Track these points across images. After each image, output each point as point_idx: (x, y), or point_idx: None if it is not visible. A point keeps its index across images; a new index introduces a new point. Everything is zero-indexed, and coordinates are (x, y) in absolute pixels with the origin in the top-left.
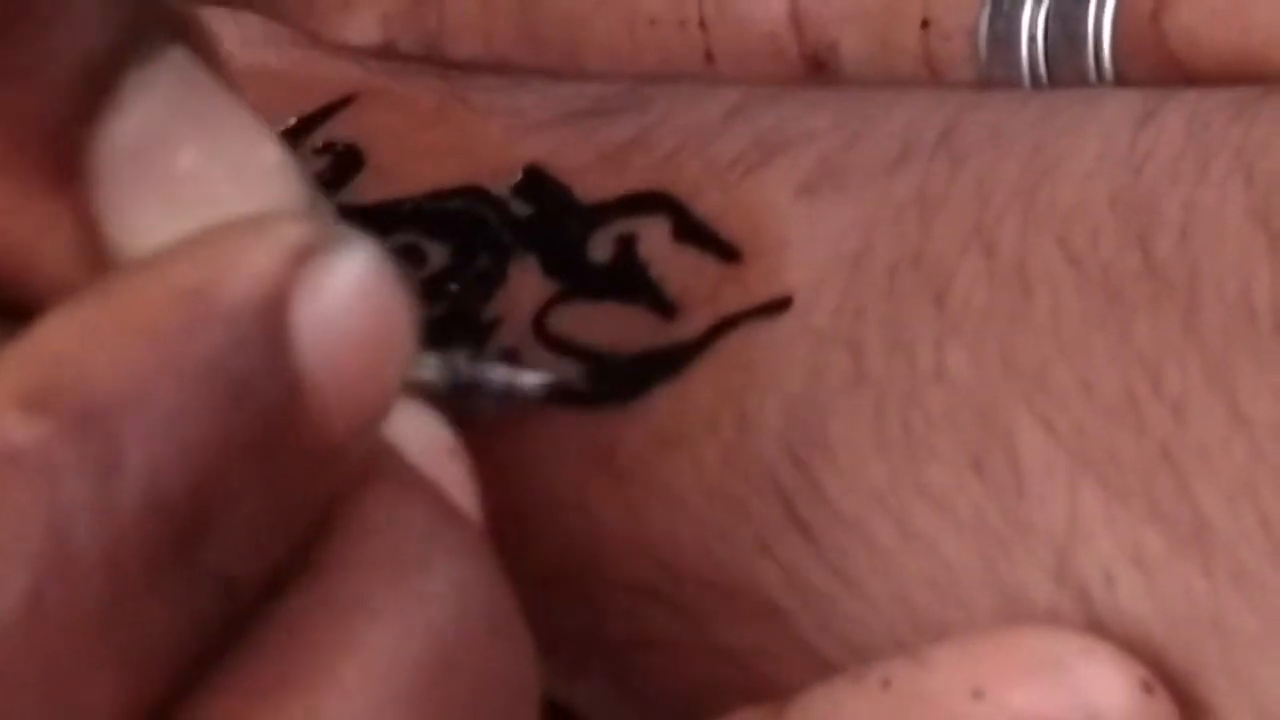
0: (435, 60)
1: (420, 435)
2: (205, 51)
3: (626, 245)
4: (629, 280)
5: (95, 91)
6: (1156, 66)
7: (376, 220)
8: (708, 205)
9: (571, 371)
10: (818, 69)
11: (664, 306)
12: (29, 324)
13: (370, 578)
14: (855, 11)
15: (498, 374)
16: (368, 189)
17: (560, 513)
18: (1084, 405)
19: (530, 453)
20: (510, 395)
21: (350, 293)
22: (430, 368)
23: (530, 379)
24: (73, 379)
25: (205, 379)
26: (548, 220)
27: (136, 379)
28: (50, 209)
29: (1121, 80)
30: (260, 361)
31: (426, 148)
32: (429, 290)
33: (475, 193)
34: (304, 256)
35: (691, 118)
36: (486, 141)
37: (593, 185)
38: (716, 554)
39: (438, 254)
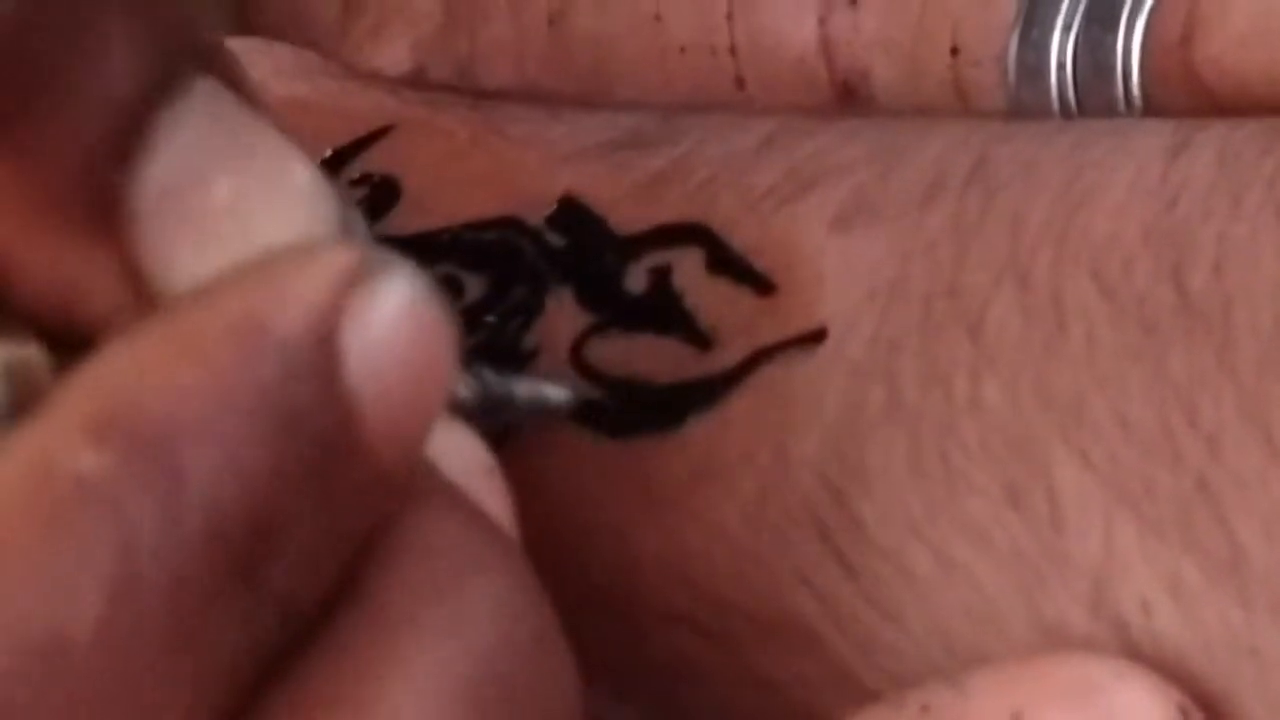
0: (466, 87)
1: (459, 454)
2: (232, 78)
3: (661, 277)
4: (664, 312)
5: (129, 135)
6: (1186, 94)
7: (414, 252)
8: (742, 237)
9: (599, 390)
10: (848, 96)
11: (699, 338)
12: (81, 357)
13: (416, 598)
14: (885, 39)
15: (524, 388)
16: (405, 220)
17: (598, 541)
18: (1119, 437)
19: (568, 482)
20: (539, 410)
21: (396, 318)
22: (462, 385)
23: (556, 393)
24: (134, 409)
25: (261, 408)
26: (583, 251)
27: (195, 409)
28: (94, 251)
29: (1151, 108)
30: (313, 390)
31: (462, 179)
32: (467, 321)
33: (511, 224)
34: (350, 284)
35: (725, 148)
36: (521, 172)
37: (627, 216)
38: (754, 584)
39: (475, 285)
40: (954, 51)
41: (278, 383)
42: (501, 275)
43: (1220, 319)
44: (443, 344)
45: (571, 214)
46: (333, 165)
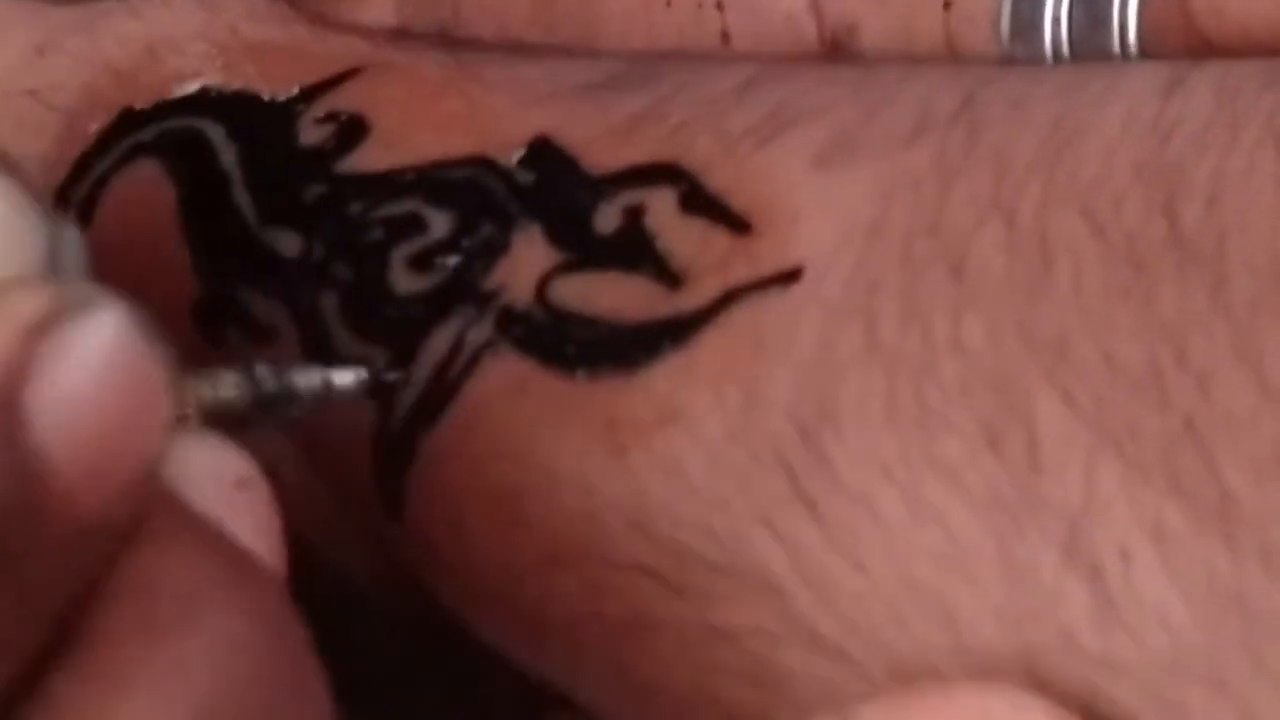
0: (448, 39)
1: (206, 470)
2: None
3: (634, 216)
4: (635, 251)
5: None
6: (1184, 45)
7: (377, 188)
8: (719, 177)
9: (381, 361)
10: (836, 51)
11: (669, 276)
12: None
13: (126, 648)
14: None
15: (308, 378)
16: (371, 159)
17: (559, 490)
18: (1105, 377)
19: (529, 427)
20: (325, 397)
21: (90, 365)
22: (230, 386)
23: (343, 376)
24: None
25: None
26: (553, 190)
27: None
28: None
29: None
30: None
31: (433, 118)
32: (428, 258)
33: (481, 163)
34: (40, 331)
35: (704, 91)
36: (494, 113)
37: (602, 157)
38: (717, 530)
39: (440, 222)
40: (946, 6)
41: None
42: (468, 213)
43: (1214, 255)
44: (149, 382)
45: (544, 154)
46: (298, 103)
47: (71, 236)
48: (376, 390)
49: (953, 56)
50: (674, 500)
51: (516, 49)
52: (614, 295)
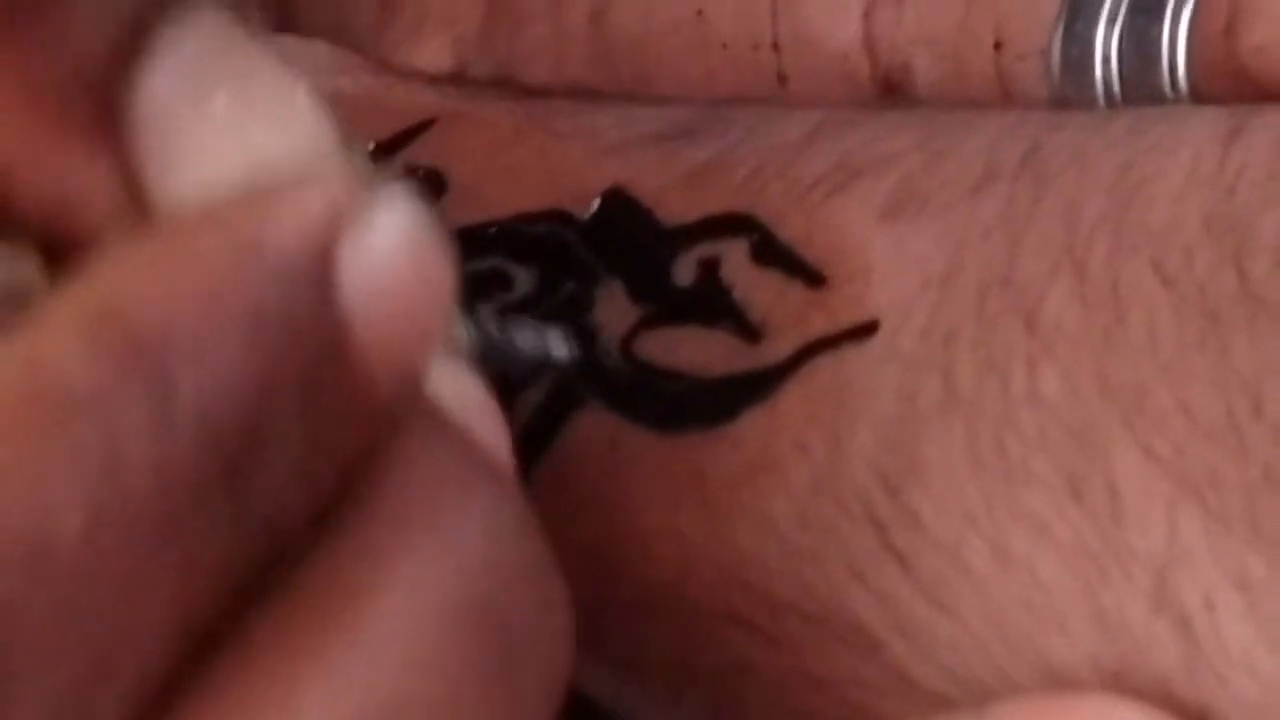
0: (508, 85)
1: (455, 390)
2: (233, 13)
3: (710, 268)
4: (713, 303)
5: (131, 46)
6: (1232, 84)
7: (462, 245)
8: (790, 228)
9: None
10: (890, 91)
11: (749, 330)
12: (77, 267)
13: (405, 519)
14: (928, 33)
15: (527, 338)
16: (452, 213)
17: (653, 541)
18: (1183, 427)
19: (624, 483)
20: (541, 361)
21: (394, 244)
22: (460, 328)
23: (560, 345)
24: (128, 318)
25: (254, 322)
26: (631, 244)
27: (189, 319)
28: (92, 159)
29: (1197, 99)
30: (307, 309)
31: (507, 171)
32: (515, 314)
33: (558, 216)
34: (349, 206)
35: (771, 139)
36: (566, 164)
37: (674, 207)
38: (809, 581)
39: (524, 278)
40: (997, 46)
41: (271, 299)
42: (550, 268)
43: None
44: (441, 274)
45: (618, 206)
46: (375, 159)
47: (357, 145)
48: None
49: (1004, 95)
50: (765, 552)
51: (575, 93)
52: (696, 349)
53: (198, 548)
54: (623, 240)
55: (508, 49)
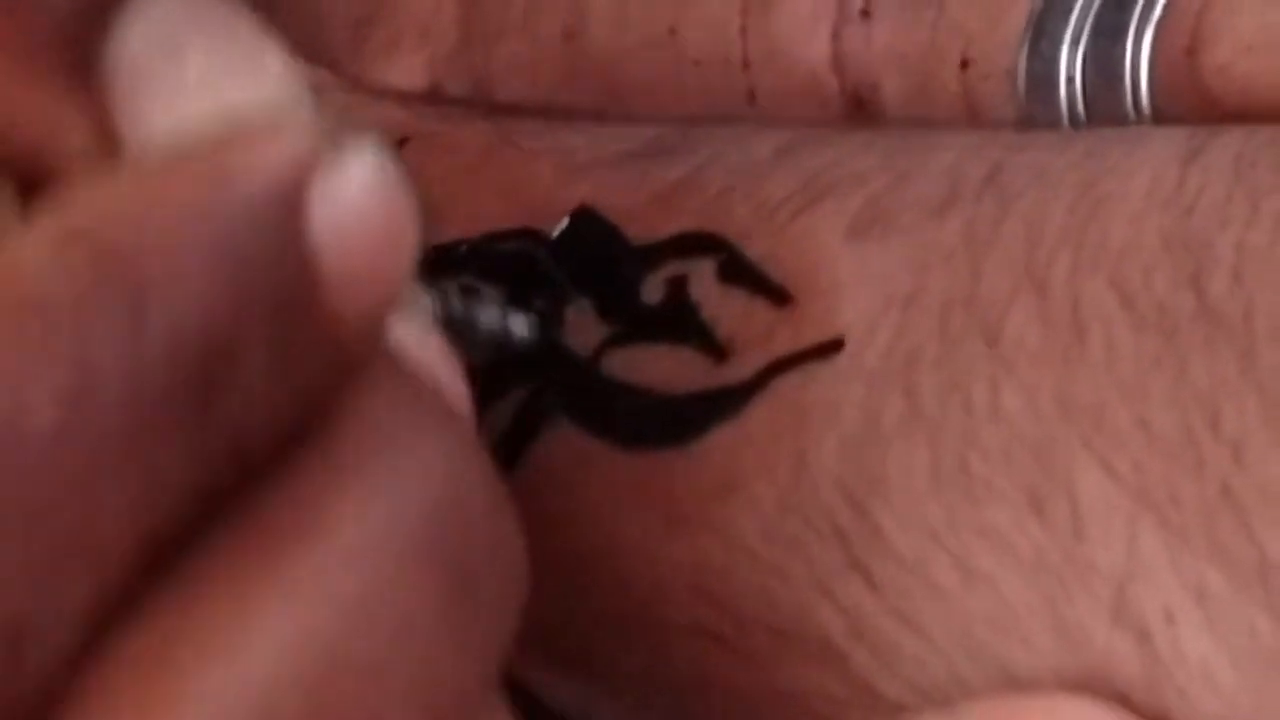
0: (481, 103)
1: (417, 344)
2: None
3: (678, 286)
4: (681, 322)
5: (109, 2)
6: (1195, 105)
7: (433, 263)
8: (758, 247)
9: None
10: (859, 109)
11: (716, 348)
12: (46, 202)
13: (369, 453)
14: (896, 52)
15: (488, 316)
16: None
17: (622, 557)
18: (1142, 445)
19: (588, 498)
20: (501, 341)
21: (362, 189)
22: (424, 302)
23: (520, 327)
24: (101, 233)
25: (223, 248)
26: (601, 262)
27: (160, 240)
28: (68, 107)
29: (1160, 118)
30: (275, 243)
31: (477, 190)
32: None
33: (528, 235)
34: (319, 151)
35: (740, 158)
36: (536, 183)
37: (643, 226)
38: (776, 596)
39: (494, 296)
40: (964, 65)
41: (241, 229)
42: (520, 286)
43: (1241, 326)
44: (407, 221)
45: (587, 224)
46: None
47: (326, 111)
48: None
49: (971, 114)
50: (734, 568)
51: (549, 112)
52: (664, 367)
53: (163, 458)
54: (592, 258)
55: (483, 66)
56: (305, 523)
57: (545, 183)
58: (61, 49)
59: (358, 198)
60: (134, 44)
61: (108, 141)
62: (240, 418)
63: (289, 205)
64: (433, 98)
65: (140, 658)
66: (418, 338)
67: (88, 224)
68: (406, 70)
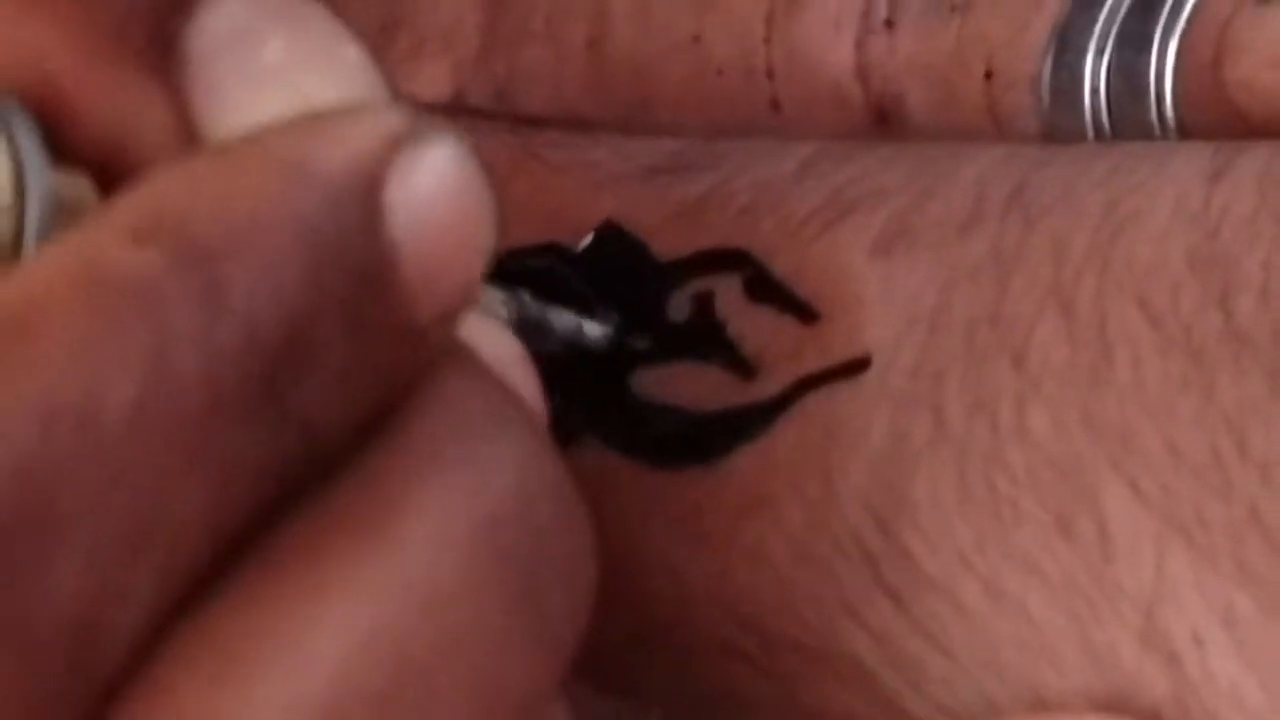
0: (504, 111)
1: (492, 343)
2: None
3: (704, 303)
4: (707, 339)
5: None
6: (1219, 117)
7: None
8: (783, 263)
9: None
10: (882, 119)
11: (743, 366)
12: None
13: (443, 448)
14: (920, 62)
15: (561, 319)
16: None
17: (650, 575)
18: (1170, 466)
19: (615, 516)
20: (573, 342)
21: (439, 180)
22: (497, 303)
23: (593, 328)
24: (180, 220)
25: (302, 237)
26: (626, 278)
27: (239, 227)
28: (148, 93)
29: (1185, 130)
30: (354, 231)
31: (502, 205)
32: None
33: (553, 250)
34: (398, 142)
35: (764, 173)
36: (561, 197)
37: (668, 242)
38: (803, 616)
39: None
40: (988, 75)
41: (320, 218)
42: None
43: (1269, 347)
44: (485, 212)
45: (613, 239)
46: None
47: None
48: (618, 348)
49: (996, 124)
50: (760, 587)
51: (573, 119)
52: (691, 384)
53: (238, 446)
54: (617, 274)
55: (505, 73)
56: (378, 516)
57: (568, 197)
58: (140, 35)
59: (436, 187)
60: (211, 32)
61: (184, 129)
62: (315, 409)
63: (367, 194)
64: (455, 108)
65: (209, 649)
66: (493, 337)
67: (166, 213)
68: (430, 78)
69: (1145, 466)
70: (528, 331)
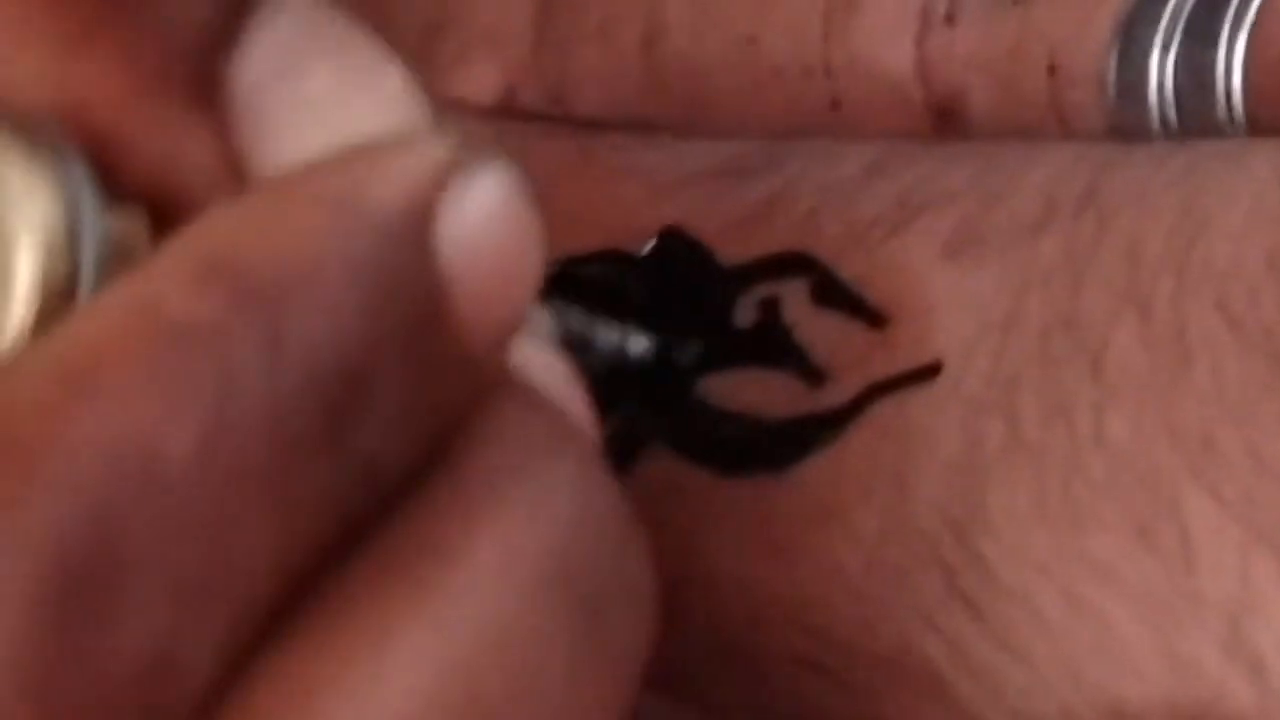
0: (558, 113)
1: (542, 366)
2: None
3: (771, 309)
4: (775, 345)
5: (232, 19)
6: None
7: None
8: (850, 268)
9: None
10: (944, 117)
11: (812, 373)
12: (170, 231)
13: (501, 479)
14: (982, 59)
15: (606, 334)
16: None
17: (721, 588)
18: (1252, 473)
19: (685, 525)
20: (618, 358)
21: (491, 210)
22: (543, 320)
23: (638, 343)
24: (237, 263)
25: (357, 276)
26: (691, 284)
27: (294, 268)
28: (194, 129)
29: (1254, 126)
30: (406, 265)
31: (561, 211)
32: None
33: (614, 257)
34: (446, 174)
35: (828, 176)
36: (621, 203)
37: (732, 247)
38: (878, 627)
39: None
40: (1051, 71)
41: (373, 253)
42: (608, 310)
43: None
44: (533, 239)
45: (675, 245)
46: None
47: (449, 122)
48: (663, 360)
49: (1060, 122)
50: (834, 597)
51: (628, 121)
52: (759, 391)
53: (300, 488)
54: (681, 280)
55: (557, 75)
56: (441, 552)
57: (628, 203)
58: (184, 72)
59: (486, 218)
60: (256, 66)
61: (230, 165)
62: (375, 444)
63: (419, 230)
64: (506, 108)
65: (281, 691)
66: (543, 360)
67: (223, 256)
68: (478, 80)
69: (1227, 473)
70: (570, 346)
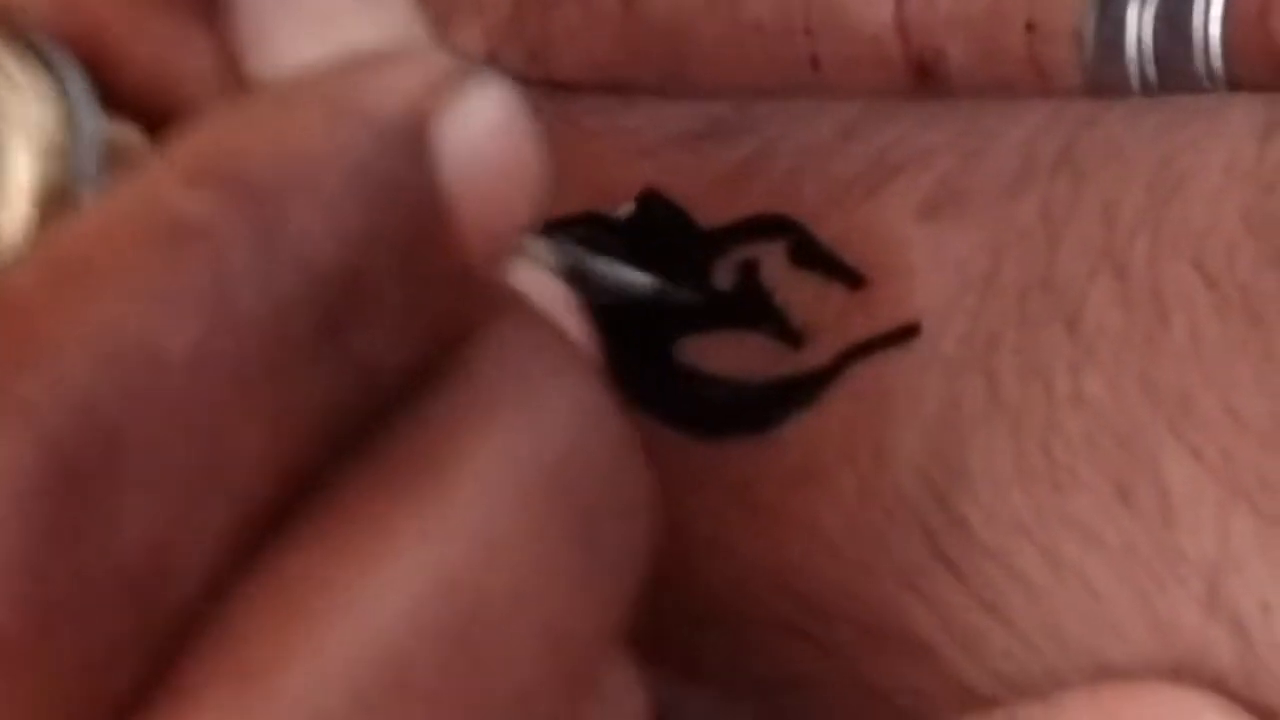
0: (538, 74)
1: (541, 288)
2: None
3: (750, 271)
4: (754, 307)
5: None
6: (1268, 68)
7: None
8: (828, 229)
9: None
10: (923, 75)
11: (791, 334)
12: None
13: (500, 391)
14: (960, 16)
15: (606, 268)
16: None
17: (702, 552)
18: (1231, 431)
19: (666, 490)
20: (619, 292)
21: (488, 122)
22: (543, 253)
23: (639, 278)
24: (235, 163)
25: (355, 177)
26: (669, 246)
27: (293, 168)
28: (193, 36)
29: (1233, 81)
30: (405, 172)
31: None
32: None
33: (593, 219)
34: (445, 83)
35: (806, 137)
36: (600, 165)
37: (710, 209)
38: (860, 591)
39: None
40: (1029, 27)
41: (371, 158)
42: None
43: None
44: (533, 152)
45: (655, 207)
46: None
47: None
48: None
49: (1038, 77)
50: (815, 561)
51: (608, 81)
52: (737, 353)
53: (298, 388)
54: (660, 242)
55: (538, 35)
56: (441, 457)
57: (607, 165)
58: None
59: (484, 127)
60: None
61: (229, 74)
62: (372, 350)
63: (417, 135)
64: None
65: (279, 593)
66: (544, 283)
67: (221, 156)
68: (461, 42)
69: (1205, 431)
70: (571, 280)
